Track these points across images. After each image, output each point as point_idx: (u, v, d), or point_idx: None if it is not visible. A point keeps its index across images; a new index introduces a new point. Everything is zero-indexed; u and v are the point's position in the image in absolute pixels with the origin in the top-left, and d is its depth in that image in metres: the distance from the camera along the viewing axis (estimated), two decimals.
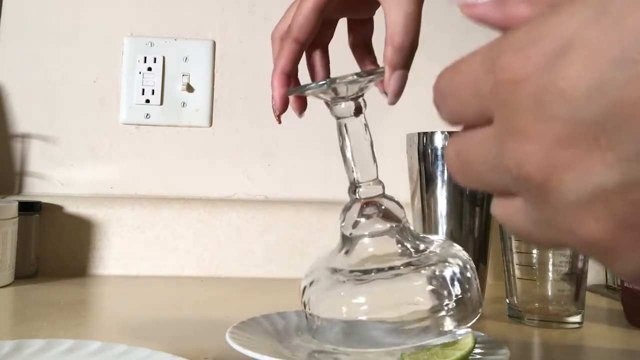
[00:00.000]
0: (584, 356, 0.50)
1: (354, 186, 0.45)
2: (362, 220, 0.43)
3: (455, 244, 0.45)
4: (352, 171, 0.45)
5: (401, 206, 0.44)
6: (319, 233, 0.80)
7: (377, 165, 0.46)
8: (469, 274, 0.41)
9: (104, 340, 0.41)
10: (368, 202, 0.44)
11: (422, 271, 0.40)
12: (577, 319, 0.57)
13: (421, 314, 0.39)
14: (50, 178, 0.81)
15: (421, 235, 0.46)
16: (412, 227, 0.45)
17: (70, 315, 0.56)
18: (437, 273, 0.40)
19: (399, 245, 0.43)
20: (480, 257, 0.65)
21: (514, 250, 0.58)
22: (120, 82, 0.83)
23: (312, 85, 0.44)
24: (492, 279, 0.71)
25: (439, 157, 0.65)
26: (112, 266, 0.77)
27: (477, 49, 0.21)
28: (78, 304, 0.62)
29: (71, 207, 0.78)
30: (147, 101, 0.83)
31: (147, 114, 0.83)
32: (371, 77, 0.46)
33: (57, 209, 0.77)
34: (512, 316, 0.59)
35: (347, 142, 0.45)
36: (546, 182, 0.18)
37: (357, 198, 0.44)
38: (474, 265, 0.43)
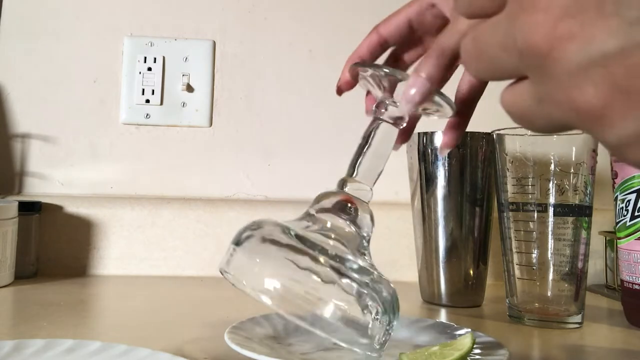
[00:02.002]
0: (584, 356, 0.50)
1: (345, 180, 0.43)
2: (331, 213, 0.42)
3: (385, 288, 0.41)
4: (357, 168, 0.43)
5: (373, 224, 0.44)
6: None
7: (377, 180, 0.44)
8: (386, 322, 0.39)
9: (104, 340, 0.41)
10: (347, 200, 0.42)
11: (358, 288, 0.38)
12: (577, 319, 0.57)
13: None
14: (50, 178, 0.82)
15: (373, 265, 0.43)
16: (370, 256, 0.43)
17: (70, 315, 0.56)
18: (369, 301, 0.38)
19: (356, 254, 0.41)
20: (480, 257, 0.65)
21: (514, 250, 0.58)
22: (120, 82, 0.83)
23: (386, 70, 0.42)
24: (492, 279, 0.71)
25: (439, 157, 0.65)
26: (112, 266, 0.78)
27: None
28: (78, 304, 0.62)
29: (71, 207, 0.78)
30: (147, 101, 0.83)
31: (147, 114, 0.83)
32: (442, 106, 0.42)
33: (57, 209, 0.77)
34: (512, 316, 0.59)
35: (374, 142, 0.43)
36: (551, 52, 0.19)
37: (340, 191, 0.43)
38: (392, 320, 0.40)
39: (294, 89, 0.86)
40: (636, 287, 0.57)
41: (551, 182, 0.56)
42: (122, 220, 0.78)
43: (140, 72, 0.83)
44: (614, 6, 0.17)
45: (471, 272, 0.65)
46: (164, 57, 0.84)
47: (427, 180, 0.66)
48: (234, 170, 0.84)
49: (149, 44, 0.84)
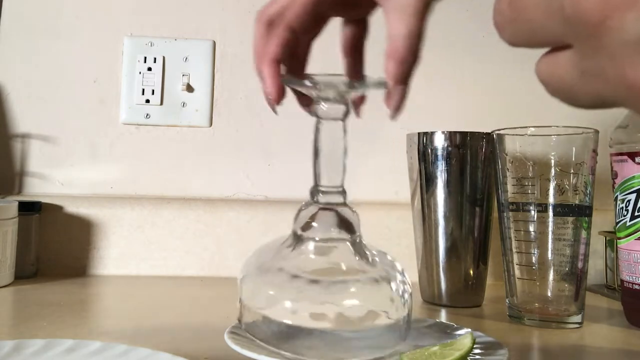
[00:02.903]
0: (584, 356, 0.50)
1: (316, 190, 0.44)
2: (314, 224, 0.43)
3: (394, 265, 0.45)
4: (318, 175, 0.44)
5: (358, 219, 0.44)
6: None
7: (344, 173, 0.45)
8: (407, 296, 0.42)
9: (104, 340, 0.41)
10: (325, 208, 0.43)
11: (386, 284, 0.40)
12: (577, 319, 0.57)
13: (384, 326, 0.39)
14: (50, 178, 0.82)
15: (374, 251, 0.44)
16: (364, 242, 0.44)
17: (70, 315, 0.56)
18: (395, 288, 0.41)
19: (356, 258, 0.42)
20: (480, 257, 0.65)
21: (514, 250, 0.58)
22: (120, 82, 0.83)
23: (319, 79, 0.43)
24: (492, 279, 0.71)
25: (439, 157, 0.65)
26: (112, 266, 0.78)
27: None
28: (78, 304, 0.62)
29: (71, 207, 0.78)
30: (147, 101, 0.83)
31: (147, 114, 0.83)
32: (378, 85, 0.45)
33: (57, 209, 0.77)
34: (512, 316, 0.59)
35: (323, 145, 0.44)
36: (604, 21, 0.17)
37: (315, 202, 0.43)
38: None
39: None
40: (636, 287, 0.57)
41: (551, 182, 0.56)
42: (122, 220, 0.78)
43: (140, 72, 0.83)
44: None
45: (471, 272, 0.65)
46: (164, 57, 0.84)
47: (427, 180, 0.66)
48: (234, 170, 0.84)
49: (149, 44, 0.84)
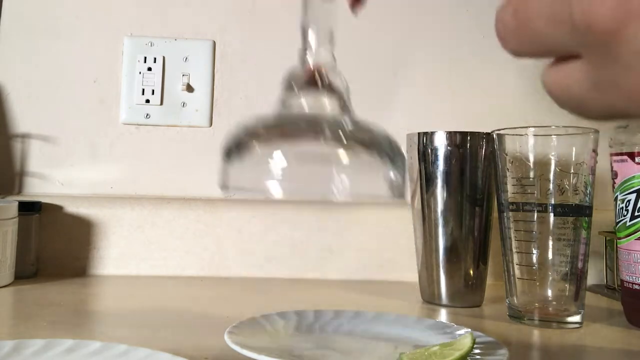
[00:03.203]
0: (584, 356, 0.50)
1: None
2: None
3: None
4: None
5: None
6: (319, 233, 0.80)
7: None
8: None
9: (104, 340, 0.41)
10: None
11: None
12: (577, 319, 0.57)
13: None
14: (50, 178, 0.82)
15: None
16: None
17: (70, 315, 0.56)
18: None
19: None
20: (480, 257, 0.65)
21: (514, 250, 0.58)
22: (120, 82, 0.83)
23: None
24: (492, 279, 0.71)
25: (439, 157, 0.65)
26: (112, 266, 0.78)
27: None
28: (78, 304, 0.62)
29: (71, 207, 0.78)
30: (147, 101, 0.83)
31: (147, 114, 0.83)
32: None
33: (57, 209, 0.77)
34: (512, 316, 0.59)
35: None
36: (618, 30, 0.16)
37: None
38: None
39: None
40: (636, 287, 0.57)
41: (551, 182, 0.56)
42: (122, 220, 0.78)
43: (140, 72, 0.83)
44: None
45: (471, 272, 0.65)
46: (164, 57, 0.84)
47: (427, 180, 0.66)
48: None
49: (149, 44, 0.84)
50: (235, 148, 0.38)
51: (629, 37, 0.16)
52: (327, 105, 0.38)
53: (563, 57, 0.19)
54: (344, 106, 0.39)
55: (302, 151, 0.35)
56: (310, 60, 0.40)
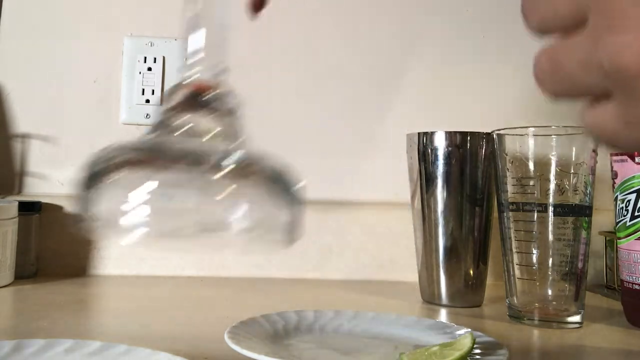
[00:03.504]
0: (584, 356, 0.50)
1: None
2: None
3: None
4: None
5: None
6: (319, 233, 0.80)
7: None
8: None
9: (104, 340, 0.41)
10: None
11: None
12: (577, 319, 0.57)
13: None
14: (50, 178, 0.81)
15: None
16: None
17: (70, 315, 0.56)
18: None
19: None
20: (480, 257, 0.65)
21: (514, 250, 0.58)
22: (120, 82, 0.83)
23: None
24: (492, 279, 0.71)
25: (439, 157, 0.65)
26: (112, 266, 0.77)
27: None
28: (78, 304, 0.62)
29: (71, 207, 0.78)
30: (147, 101, 0.83)
31: (147, 114, 0.83)
32: None
33: (57, 209, 0.77)
34: (512, 316, 0.59)
35: None
36: None
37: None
38: None
39: (294, 88, 0.85)
40: (636, 287, 0.57)
41: (551, 182, 0.56)
42: None
43: (140, 72, 0.83)
44: None
45: (471, 272, 0.65)
46: (164, 57, 0.84)
47: (427, 180, 0.66)
48: None
49: (149, 44, 0.84)
50: (95, 175, 0.33)
51: None
52: (212, 129, 0.33)
53: (597, 98, 0.20)
54: (233, 132, 0.35)
55: (173, 182, 0.30)
56: (195, 74, 0.35)
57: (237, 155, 0.32)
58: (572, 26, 0.20)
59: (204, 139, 0.32)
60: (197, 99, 0.33)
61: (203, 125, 0.33)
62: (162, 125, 0.33)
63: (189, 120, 0.33)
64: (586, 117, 0.21)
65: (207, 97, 0.33)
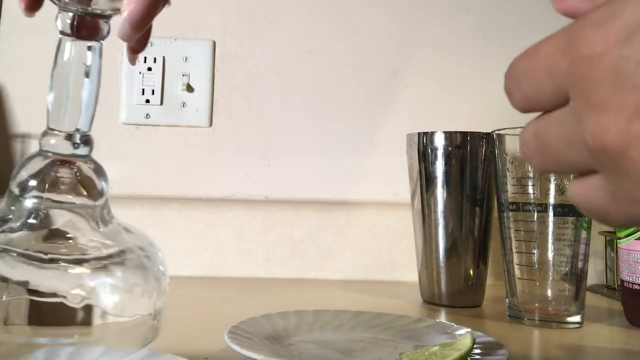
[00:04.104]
0: (584, 356, 0.50)
1: (49, 134, 0.33)
2: (36, 182, 0.31)
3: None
4: (54, 114, 0.33)
5: (105, 178, 0.33)
6: (319, 233, 0.80)
7: (92, 117, 0.33)
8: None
9: None
10: (62, 161, 0.32)
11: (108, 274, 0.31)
12: (577, 319, 0.57)
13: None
14: None
15: (118, 224, 0.35)
16: (110, 207, 0.34)
17: None
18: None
19: (89, 232, 0.32)
20: (480, 257, 0.65)
21: (514, 250, 0.58)
22: (120, 82, 0.83)
23: None
24: (492, 279, 0.71)
25: (439, 157, 0.65)
26: None
27: (549, 35, 0.21)
28: None
29: None
30: (147, 101, 0.83)
31: (147, 114, 0.83)
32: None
33: None
34: (512, 316, 0.59)
35: (65, 69, 0.32)
36: (625, 152, 0.18)
37: (46, 151, 0.33)
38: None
39: (294, 88, 0.86)
40: (636, 287, 0.57)
41: (551, 182, 0.56)
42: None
43: (140, 72, 0.83)
44: None
45: (471, 272, 0.65)
46: (164, 57, 0.84)
47: (427, 180, 0.66)
48: (234, 170, 0.84)
49: (149, 44, 0.83)
50: None
51: (634, 157, 0.18)
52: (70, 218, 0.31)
53: (584, 172, 0.21)
54: (97, 219, 0.32)
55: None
56: (53, 149, 0.32)
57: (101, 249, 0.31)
58: (554, 105, 0.21)
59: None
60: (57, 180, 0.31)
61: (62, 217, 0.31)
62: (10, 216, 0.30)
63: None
64: (574, 191, 0.21)
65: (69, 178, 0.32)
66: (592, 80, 0.19)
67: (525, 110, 0.22)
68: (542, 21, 0.83)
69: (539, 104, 0.21)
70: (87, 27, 0.33)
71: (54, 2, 0.33)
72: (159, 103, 0.83)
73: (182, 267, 0.78)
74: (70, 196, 0.31)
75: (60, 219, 0.31)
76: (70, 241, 0.31)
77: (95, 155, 0.92)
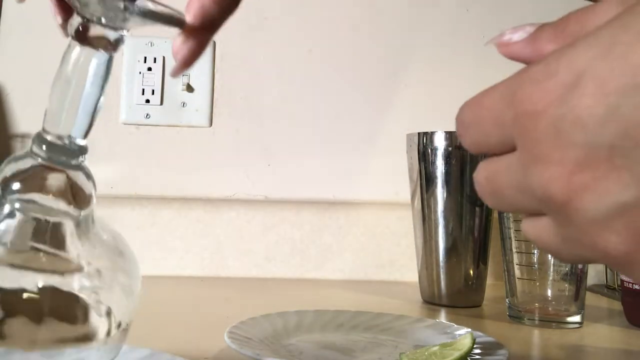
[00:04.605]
0: (584, 356, 0.50)
1: (42, 138, 0.32)
2: (34, 194, 0.30)
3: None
4: (53, 115, 0.33)
5: (94, 190, 0.32)
6: (319, 233, 0.80)
7: (88, 126, 0.33)
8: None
9: None
10: (52, 169, 0.31)
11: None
12: (577, 319, 0.57)
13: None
14: None
15: (104, 237, 0.35)
16: (91, 224, 0.33)
17: None
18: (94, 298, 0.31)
19: (73, 245, 0.31)
20: (480, 257, 0.65)
21: (514, 250, 0.58)
22: (120, 82, 0.83)
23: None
24: (492, 279, 0.71)
25: (439, 157, 0.65)
26: None
27: (496, 84, 0.23)
28: None
29: None
30: (147, 101, 0.83)
31: (147, 114, 0.83)
32: (169, 20, 0.32)
33: None
34: (512, 316, 0.59)
35: (68, 73, 0.33)
36: (569, 203, 0.19)
37: (36, 154, 0.31)
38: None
39: (294, 88, 0.86)
40: (636, 287, 0.57)
41: None
42: (122, 221, 0.78)
43: (140, 72, 0.83)
44: (622, 160, 0.18)
45: (471, 272, 0.65)
46: (164, 57, 0.84)
47: (427, 180, 0.66)
48: (234, 170, 0.84)
49: (149, 44, 0.84)
50: None
51: (577, 208, 0.19)
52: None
53: (536, 214, 0.22)
54: (82, 229, 0.31)
55: None
56: (46, 154, 0.31)
57: None
58: (503, 151, 0.22)
59: None
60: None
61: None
62: None
63: None
64: (527, 229, 0.23)
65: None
66: (535, 135, 0.20)
67: (477, 153, 0.23)
68: (541, 22, 0.83)
69: (489, 149, 0.23)
70: (92, 35, 0.32)
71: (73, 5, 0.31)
72: (159, 103, 0.83)
73: (182, 267, 0.78)
74: (57, 203, 0.30)
75: (43, 225, 0.30)
76: (51, 251, 0.30)
77: (95, 155, 0.92)
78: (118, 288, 0.34)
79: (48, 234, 0.30)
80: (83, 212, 0.31)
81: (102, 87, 0.33)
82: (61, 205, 0.30)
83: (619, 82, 0.18)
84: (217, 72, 0.85)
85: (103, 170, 0.82)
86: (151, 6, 0.30)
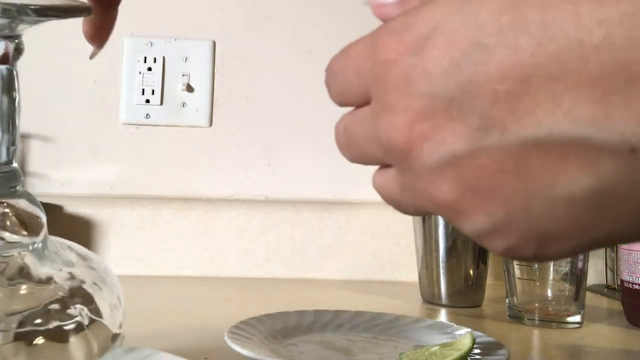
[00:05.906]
0: (584, 356, 0.50)
1: None
2: None
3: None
4: None
5: (43, 212, 0.31)
6: (319, 233, 0.80)
7: (14, 145, 0.30)
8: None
9: None
10: None
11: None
12: (577, 319, 0.57)
13: None
14: (50, 178, 0.81)
15: (64, 259, 0.33)
16: (48, 245, 0.32)
17: None
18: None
19: (29, 274, 0.29)
20: (480, 257, 0.65)
21: None
22: (120, 82, 0.83)
23: None
24: (492, 279, 0.71)
25: None
26: (112, 266, 0.77)
27: (361, 37, 0.23)
28: None
29: (71, 207, 0.78)
30: (147, 101, 0.83)
31: (147, 114, 0.83)
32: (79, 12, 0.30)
33: (57, 209, 0.77)
34: (512, 316, 0.59)
35: None
36: (409, 150, 0.20)
37: None
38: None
39: (294, 88, 0.86)
40: (636, 287, 0.57)
41: None
42: (122, 220, 0.78)
43: (140, 72, 0.83)
44: (459, 112, 0.19)
45: (471, 272, 0.65)
46: (164, 57, 0.84)
47: None
48: (234, 170, 0.84)
49: (149, 44, 0.84)
50: None
51: (415, 156, 0.20)
52: None
53: (383, 165, 0.23)
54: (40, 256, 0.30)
55: None
56: None
57: None
58: (362, 102, 0.23)
59: None
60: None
61: None
62: None
63: None
64: (375, 181, 0.24)
65: None
66: (386, 84, 0.21)
67: (341, 104, 0.24)
68: None
69: (350, 99, 0.23)
70: None
71: None
72: (159, 103, 0.83)
73: (182, 267, 0.78)
74: (10, 235, 0.28)
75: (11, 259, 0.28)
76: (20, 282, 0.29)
77: (95, 155, 0.91)
78: (100, 299, 0.32)
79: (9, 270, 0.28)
80: (38, 238, 0.30)
81: (14, 101, 0.30)
82: (7, 236, 0.28)
83: (465, 38, 0.18)
84: (217, 72, 0.85)
85: (103, 170, 0.83)
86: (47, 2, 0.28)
